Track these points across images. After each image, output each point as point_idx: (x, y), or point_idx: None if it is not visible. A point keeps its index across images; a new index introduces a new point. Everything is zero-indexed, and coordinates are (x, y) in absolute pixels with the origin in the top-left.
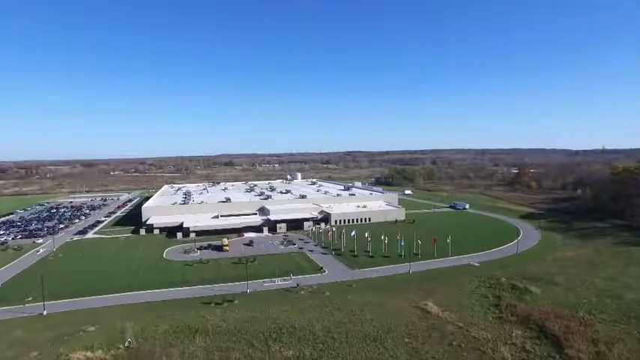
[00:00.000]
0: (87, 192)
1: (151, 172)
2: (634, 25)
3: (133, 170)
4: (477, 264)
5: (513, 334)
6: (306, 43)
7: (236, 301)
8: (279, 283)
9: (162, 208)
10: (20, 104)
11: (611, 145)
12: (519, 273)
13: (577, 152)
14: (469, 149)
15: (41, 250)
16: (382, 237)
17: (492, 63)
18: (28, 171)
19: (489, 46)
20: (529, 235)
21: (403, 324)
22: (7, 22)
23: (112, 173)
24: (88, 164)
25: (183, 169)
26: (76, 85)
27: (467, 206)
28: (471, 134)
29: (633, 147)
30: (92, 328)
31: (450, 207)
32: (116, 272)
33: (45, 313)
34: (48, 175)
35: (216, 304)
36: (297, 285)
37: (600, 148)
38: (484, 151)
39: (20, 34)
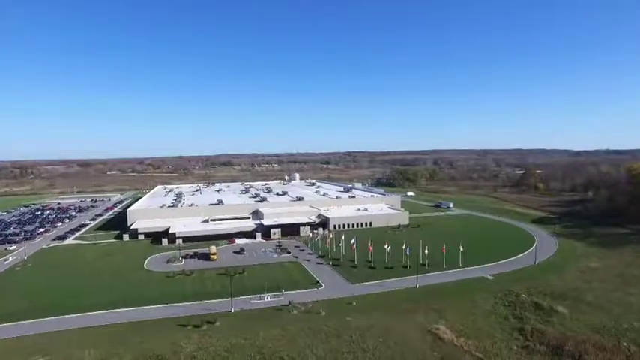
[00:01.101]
0: (78, 193)
1: (149, 173)
2: (634, 25)
3: (130, 170)
4: (490, 277)
5: None
6: (306, 43)
7: (217, 323)
8: (268, 299)
9: (148, 211)
10: (20, 104)
11: (613, 146)
12: (540, 288)
13: (579, 153)
14: (470, 150)
15: (11, 259)
16: (385, 245)
17: (492, 63)
18: (23, 171)
19: (489, 46)
20: (545, 243)
21: (412, 354)
22: (7, 22)
23: (108, 173)
24: (86, 164)
25: (181, 169)
26: (75, 85)
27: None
28: (472, 135)
29: (635, 147)
30: None
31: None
32: (87, 285)
33: None
34: (42, 175)
35: (194, 326)
36: (289, 303)
37: (602, 148)
38: (485, 152)
39: (20, 34)
